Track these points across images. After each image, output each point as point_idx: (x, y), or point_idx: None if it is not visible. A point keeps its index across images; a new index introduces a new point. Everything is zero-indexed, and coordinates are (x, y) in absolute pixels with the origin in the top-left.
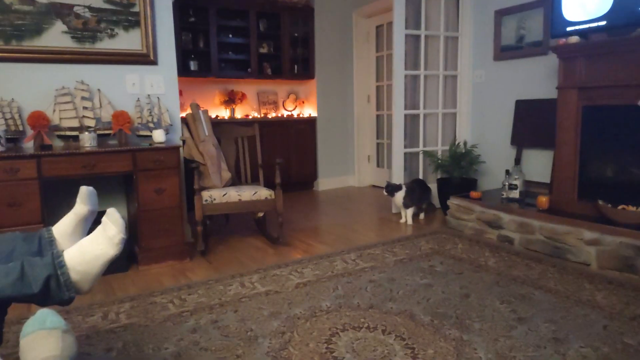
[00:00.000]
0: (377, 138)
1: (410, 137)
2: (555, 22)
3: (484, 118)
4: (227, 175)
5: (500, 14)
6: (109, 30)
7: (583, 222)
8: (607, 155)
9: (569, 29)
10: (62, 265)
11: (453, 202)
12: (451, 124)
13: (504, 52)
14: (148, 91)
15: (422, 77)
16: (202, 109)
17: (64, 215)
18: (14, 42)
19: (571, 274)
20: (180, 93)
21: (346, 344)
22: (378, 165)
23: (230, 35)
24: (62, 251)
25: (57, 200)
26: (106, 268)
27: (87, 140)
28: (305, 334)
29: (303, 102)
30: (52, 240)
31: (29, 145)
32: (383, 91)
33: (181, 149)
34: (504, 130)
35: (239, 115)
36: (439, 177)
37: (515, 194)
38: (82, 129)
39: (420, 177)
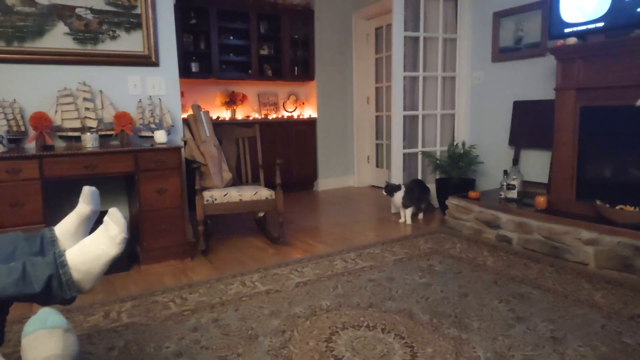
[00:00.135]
0: (377, 139)
1: (409, 137)
2: (553, 23)
3: (483, 119)
4: (228, 175)
5: (499, 16)
6: (110, 32)
7: (581, 222)
8: (605, 156)
9: (567, 30)
10: (64, 264)
11: (452, 202)
12: (450, 125)
13: (502, 54)
14: (150, 92)
15: (421, 79)
16: (203, 110)
17: (66, 215)
18: (16, 43)
19: (569, 274)
20: (182, 94)
21: (346, 343)
22: (377, 166)
23: (231, 37)
24: (64, 251)
25: (59, 200)
26: (108, 267)
27: (89, 141)
28: (306, 333)
29: (303, 103)
30: (54, 240)
31: (31, 146)
32: (382, 92)
33: (182, 149)
34: (502, 131)
35: (239, 116)
36: (437, 177)
37: (513, 194)
38: (84, 129)
39: (419, 177)
